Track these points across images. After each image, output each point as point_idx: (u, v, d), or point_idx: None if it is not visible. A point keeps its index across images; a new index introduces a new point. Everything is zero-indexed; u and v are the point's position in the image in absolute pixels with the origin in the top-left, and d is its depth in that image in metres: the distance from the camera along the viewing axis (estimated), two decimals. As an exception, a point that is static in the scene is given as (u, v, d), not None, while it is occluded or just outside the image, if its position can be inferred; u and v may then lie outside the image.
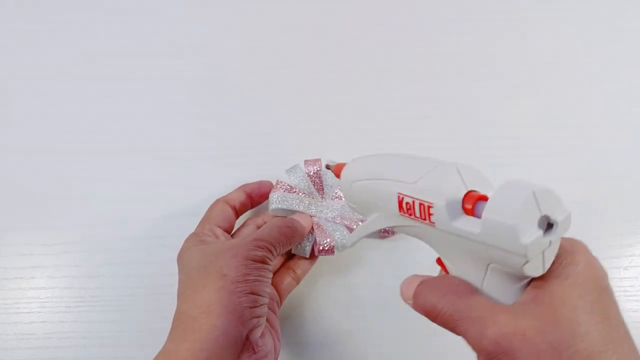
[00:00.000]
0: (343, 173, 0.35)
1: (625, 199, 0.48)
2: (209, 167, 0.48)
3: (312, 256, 0.43)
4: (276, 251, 0.37)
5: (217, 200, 0.42)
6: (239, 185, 0.43)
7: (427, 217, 0.26)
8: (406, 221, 0.29)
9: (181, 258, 0.38)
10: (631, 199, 0.48)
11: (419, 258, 0.45)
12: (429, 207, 0.26)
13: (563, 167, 0.49)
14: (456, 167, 0.26)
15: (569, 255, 0.25)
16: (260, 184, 0.44)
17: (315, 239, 0.42)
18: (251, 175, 0.44)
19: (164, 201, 0.47)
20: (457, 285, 0.27)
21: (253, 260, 0.34)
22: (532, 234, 0.22)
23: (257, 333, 0.34)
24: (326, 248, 0.41)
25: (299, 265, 0.43)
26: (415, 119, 0.50)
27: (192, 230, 0.40)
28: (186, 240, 0.39)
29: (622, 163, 0.49)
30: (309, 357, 0.44)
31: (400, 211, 0.28)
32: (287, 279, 0.42)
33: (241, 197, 0.42)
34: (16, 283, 0.45)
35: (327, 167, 0.38)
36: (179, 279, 0.37)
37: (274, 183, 0.44)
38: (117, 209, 0.47)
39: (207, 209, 0.41)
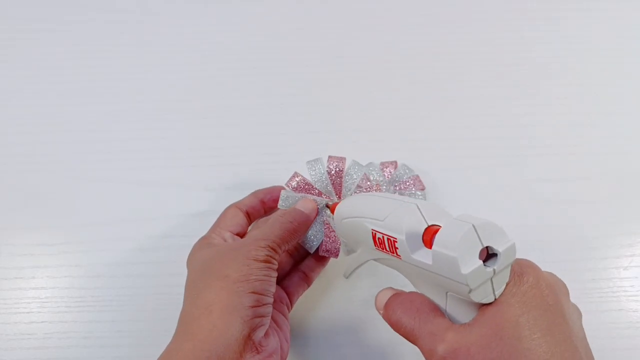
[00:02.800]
0: (335, 211, 0.37)
1: (625, 199, 0.48)
2: (209, 167, 0.48)
3: (320, 257, 0.42)
4: (280, 249, 0.36)
5: (229, 206, 0.41)
6: (239, 185, 0.43)
7: (394, 251, 0.29)
8: (381, 254, 0.31)
9: (188, 261, 0.38)
10: (631, 199, 0.48)
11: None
12: (394, 241, 0.29)
13: (563, 167, 0.49)
14: (416, 205, 0.29)
15: (517, 276, 0.26)
16: (272, 189, 0.43)
17: (323, 239, 0.41)
18: (251, 175, 0.44)
19: (164, 201, 0.47)
20: (421, 304, 0.29)
21: (256, 260, 0.34)
22: (472, 264, 0.24)
23: (260, 333, 0.34)
24: (331, 249, 0.41)
25: (310, 268, 0.42)
26: (415, 119, 0.50)
27: (192, 230, 0.40)
28: (195, 244, 0.39)
29: (622, 163, 0.49)
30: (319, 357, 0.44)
31: (375, 246, 0.31)
32: (297, 282, 0.42)
33: (253, 203, 0.42)
34: (16, 283, 0.45)
35: (327, 205, 0.41)
36: (185, 282, 0.37)
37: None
38: (117, 209, 0.47)
39: (219, 214, 0.41)
